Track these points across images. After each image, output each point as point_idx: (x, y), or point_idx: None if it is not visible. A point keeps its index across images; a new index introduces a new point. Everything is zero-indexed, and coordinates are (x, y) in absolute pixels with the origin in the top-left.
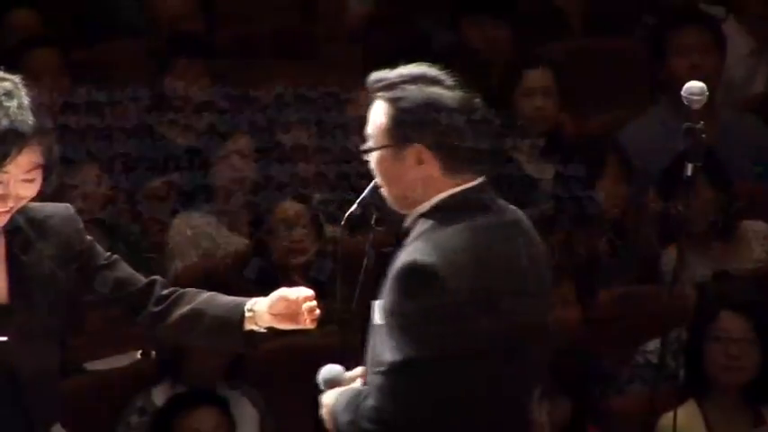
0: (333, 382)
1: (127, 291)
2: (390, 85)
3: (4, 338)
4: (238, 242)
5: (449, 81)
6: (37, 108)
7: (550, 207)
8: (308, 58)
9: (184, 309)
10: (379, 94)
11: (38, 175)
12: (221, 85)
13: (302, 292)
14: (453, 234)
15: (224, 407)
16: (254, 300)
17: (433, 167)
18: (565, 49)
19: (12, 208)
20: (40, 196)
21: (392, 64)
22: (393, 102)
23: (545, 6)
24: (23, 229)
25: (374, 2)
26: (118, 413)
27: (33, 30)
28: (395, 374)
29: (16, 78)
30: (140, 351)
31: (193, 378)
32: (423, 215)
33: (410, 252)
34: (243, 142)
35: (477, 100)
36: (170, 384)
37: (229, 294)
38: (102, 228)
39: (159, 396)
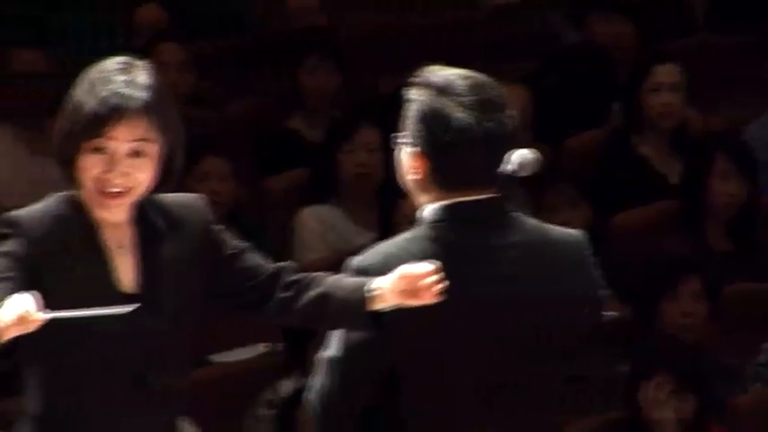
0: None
1: (256, 280)
2: (414, 85)
3: (131, 307)
4: (365, 236)
5: (467, 98)
6: (159, 92)
7: (677, 202)
8: (433, 51)
9: (310, 294)
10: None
11: (146, 151)
12: (349, 78)
13: (422, 268)
14: (409, 243)
15: None
16: (377, 279)
17: (424, 175)
18: (689, 45)
19: (128, 190)
20: (168, 189)
21: (514, 59)
22: (408, 102)
23: (670, 2)
24: (152, 220)
25: None
26: (243, 405)
27: (160, 25)
28: (321, 365)
29: (143, 63)
30: (266, 344)
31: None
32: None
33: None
34: (370, 136)
35: (492, 123)
36: (297, 377)
37: None
38: (228, 222)
39: (287, 389)
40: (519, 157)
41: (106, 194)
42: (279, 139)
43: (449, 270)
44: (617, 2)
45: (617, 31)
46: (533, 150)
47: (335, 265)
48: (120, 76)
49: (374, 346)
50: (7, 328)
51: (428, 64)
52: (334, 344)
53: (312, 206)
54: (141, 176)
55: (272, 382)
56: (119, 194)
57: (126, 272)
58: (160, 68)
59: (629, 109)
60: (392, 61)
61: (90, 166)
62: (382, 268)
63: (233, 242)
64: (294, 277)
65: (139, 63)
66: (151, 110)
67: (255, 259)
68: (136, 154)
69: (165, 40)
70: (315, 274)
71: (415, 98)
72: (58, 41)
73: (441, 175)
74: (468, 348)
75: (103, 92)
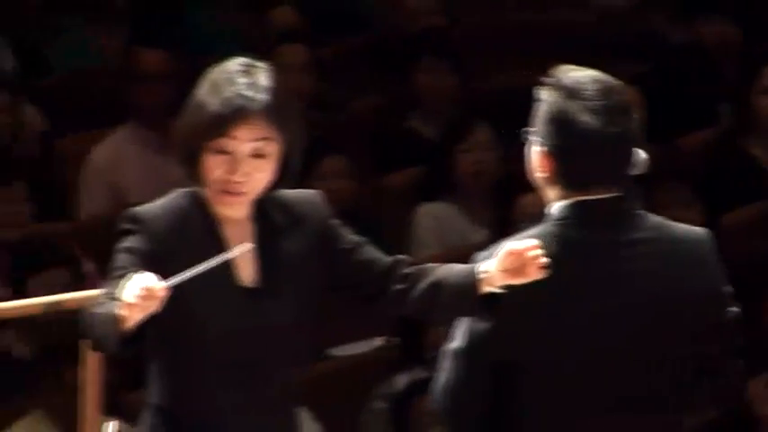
0: None
1: (372, 273)
2: (545, 85)
3: (245, 247)
4: (480, 233)
5: (595, 102)
6: (279, 93)
7: None
8: (546, 51)
9: (423, 284)
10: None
11: (266, 151)
12: (465, 78)
13: (526, 244)
14: (535, 239)
15: None
16: (485, 263)
17: (551, 174)
18: None
19: (246, 190)
20: (287, 186)
21: (623, 59)
22: (539, 102)
23: None
24: (271, 216)
25: None
26: (360, 397)
27: (294, 27)
28: (445, 357)
29: (264, 65)
30: (384, 338)
31: (435, 365)
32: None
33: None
34: (485, 135)
35: (617, 127)
36: (413, 371)
37: None
38: (346, 219)
39: (402, 382)
40: None
41: (228, 193)
42: (397, 137)
43: (573, 266)
44: (723, 3)
45: (723, 32)
46: (642, 150)
47: (452, 261)
48: (243, 78)
49: (497, 336)
50: (133, 306)
51: (541, 63)
52: (458, 336)
53: (429, 203)
54: (262, 176)
55: (388, 376)
56: (240, 193)
57: (246, 267)
58: (283, 70)
59: (739, 110)
60: (506, 60)
61: (213, 166)
62: None
63: (350, 236)
64: (407, 270)
65: (260, 65)
66: (271, 111)
67: (372, 252)
68: (257, 154)
69: (290, 42)
70: (427, 265)
71: (546, 99)
72: (186, 43)
73: (566, 174)
74: (591, 344)
75: (226, 93)
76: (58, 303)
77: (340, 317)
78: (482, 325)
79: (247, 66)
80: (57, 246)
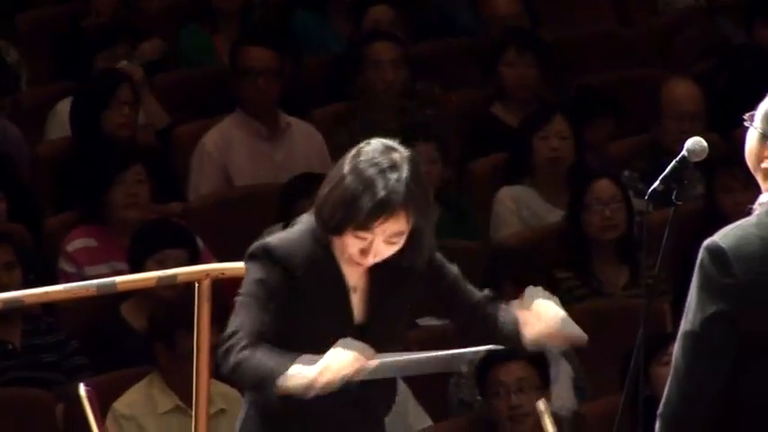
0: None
1: (460, 311)
2: None
3: None
4: (555, 214)
5: None
6: (419, 181)
7: None
8: (620, 57)
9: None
10: None
11: (400, 240)
12: (549, 75)
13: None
14: (755, 227)
15: (534, 363)
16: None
17: None
18: None
19: (374, 263)
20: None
21: (690, 58)
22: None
23: None
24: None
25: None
26: None
27: (389, 26)
28: (676, 344)
29: (406, 152)
30: None
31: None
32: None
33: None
34: (562, 125)
35: None
36: None
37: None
38: (436, 200)
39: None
40: (691, 144)
41: (356, 263)
42: (483, 125)
43: None
44: None
45: None
46: (702, 139)
47: (529, 240)
48: (391, 174)
49: (728, 322)
50: (340, 370)
51: (618, 62)
52: (689, 317)
53: (509, 186)
54: (388, 254)
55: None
56: (362, 265)
57: (358, 307)
58: (376, 65)
59: None
60: (586, 61)
61: (349, 245)
62: (736, 251)
63: (450, 273)
64: (481, 332)
65: (403, 152)
66: (411, 204)
67: (457, 297)
68: (391, 243)
69: (382, 40)
70: (500, 320)
71: None
72: (288, 40)
73: None
74: None
75: (378, 192)
76: (170, 277)
77: None
78: (718, 307)
79: (391, 152)
80: (174, 226)
